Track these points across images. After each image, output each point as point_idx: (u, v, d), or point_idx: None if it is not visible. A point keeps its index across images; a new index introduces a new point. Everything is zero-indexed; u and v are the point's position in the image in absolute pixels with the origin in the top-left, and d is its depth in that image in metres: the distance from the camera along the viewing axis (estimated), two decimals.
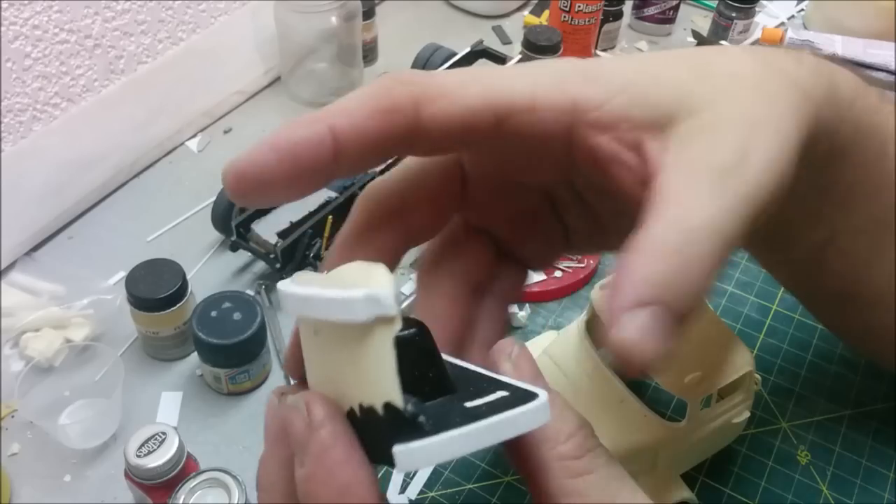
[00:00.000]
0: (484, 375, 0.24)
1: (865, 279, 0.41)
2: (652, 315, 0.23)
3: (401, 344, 0.20)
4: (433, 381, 0.22)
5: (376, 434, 0.20)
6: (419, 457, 0.19)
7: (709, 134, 0.26)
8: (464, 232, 0.32)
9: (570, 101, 0.27)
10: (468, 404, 0.21)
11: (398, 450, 0.19)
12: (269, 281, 0.64)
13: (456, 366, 0.24)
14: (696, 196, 0.24)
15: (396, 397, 0.20)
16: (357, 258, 0.25)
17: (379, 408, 0.20)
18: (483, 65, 0.81)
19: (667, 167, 0.25)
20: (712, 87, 0.27)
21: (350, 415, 0.21)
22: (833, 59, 0.35)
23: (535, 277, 0.63)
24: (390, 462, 0.19)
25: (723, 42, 0.94)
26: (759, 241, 0.42)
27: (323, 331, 0.22)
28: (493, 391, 0.22)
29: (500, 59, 0.79)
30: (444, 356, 0.23)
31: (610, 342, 0.23)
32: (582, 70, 0.27)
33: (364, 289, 0.20)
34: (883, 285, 0.40)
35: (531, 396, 0.22)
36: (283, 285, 0.24)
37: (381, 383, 0.20)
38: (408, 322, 0.21)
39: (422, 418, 0.20)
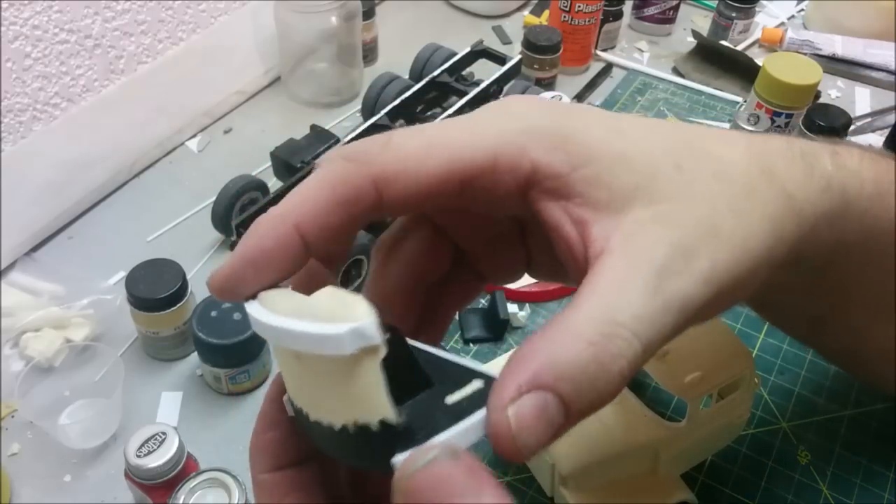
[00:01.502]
0: (452, 362, 0.25)
1: (868, 341, 0.40)
2: (542, 402, 0.21)
3: (388, 367, 0.21)
4: (413, 382, 0.23)
5: (373, 447, 0.21)
6: None
7: (659, 228, 0.24)
8: (425, 227, 0.31)
9: (531, 168, 0.26)
10: (449, 400, 0.22)
11: (397, 460, 0.21)
12: None
13: (423, 351, 0.25)
14: (626, 292, 0.23)
15: (389, 414, 0.21)
16: None
17: (374, 425, 0.21)
18: (483, 65, 0.81)
19: (607, 254, 0.24)
20: (685, 181, 0.26)
21: (342, 431, 0.22)
22: (857, 147, 0.32)
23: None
24: (390, 471, 0.21)
25: (723, 42, 0.94)
26: (752, 305, 0.41)
27: (305, 358, 0.22)
28: (468, 380, 0.23)
29: (500, 59, 0.79)
30: (410, 342, 0.25)
31: (490, 416, 0.21)
32: (550, 134, 0.26)
33: (348, 324, 0.20)
34: (885, 343, 0.39)
35: None
36: (255, 311, 0.24)
37: (373, 403, 0.21)
38: (385, 330, 0.21)
39: (415, 428, 0.21)
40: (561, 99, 0.75)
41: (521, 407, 0.21)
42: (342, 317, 0.21)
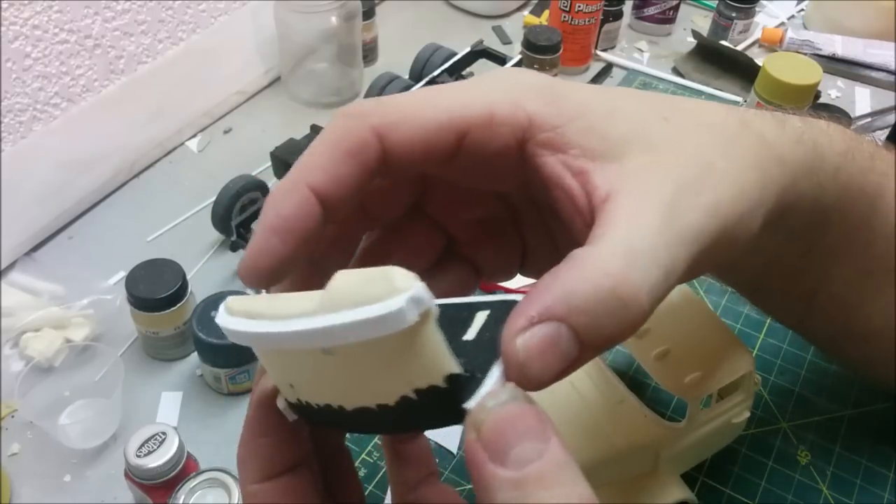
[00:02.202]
0: (448, 303, 0.25)
1: (857, 319, 0.40)
2: (554, 333, 0.21)
3: (441, 322, 0.21)
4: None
5: (442, 404, 0.21)
6: None
7: (662, 169, 0.25)
8: (417, 219, 0.31)
9: (526, 119, 0.26)
10: (468, 337, 0.23)
11: (469, 405, 0.21)
12: None
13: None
14: (641, 225, 0.23)
15: (454, 367, 0.21)
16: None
17: (441, 382, 0.21)
18: (483, 65, 0.81)
19: (614, 196, 0.24)
20: (674, 129, 0.27)
21: (401, 404, 0.22)
22: (823, 116, 0.34)
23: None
24: (461, 418, 0.21)
25: (723, 42, 0.94)
26: (745, 290, 0.41)
27: (341, 351, 0.21)
28: (473, 314, 0.23)
29: (500, 59, 0.79)
30: None
31: (501, 346, 0.21)
32: (541, 89, 0.27)
33: (402, 294, 0.19)
34: (876, 323, 0.40)
35: (512, 303, 0.23)
36: (238, 324, 0.22)
37: (435, 363, 0.21)
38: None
39: (476, 373, 0.21)
40: None
41: (531, 337, 0.21)
42: (378, 292, 0.19)
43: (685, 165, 0.25)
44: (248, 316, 0.22)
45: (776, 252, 0.35)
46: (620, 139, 0.26)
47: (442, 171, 0.28)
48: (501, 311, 0.23)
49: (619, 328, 0.22)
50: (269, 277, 0.25)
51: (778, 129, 0.30)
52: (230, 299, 0.23)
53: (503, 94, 0.26)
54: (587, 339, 0.21)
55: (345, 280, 0.21)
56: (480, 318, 0.23)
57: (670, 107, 0.28)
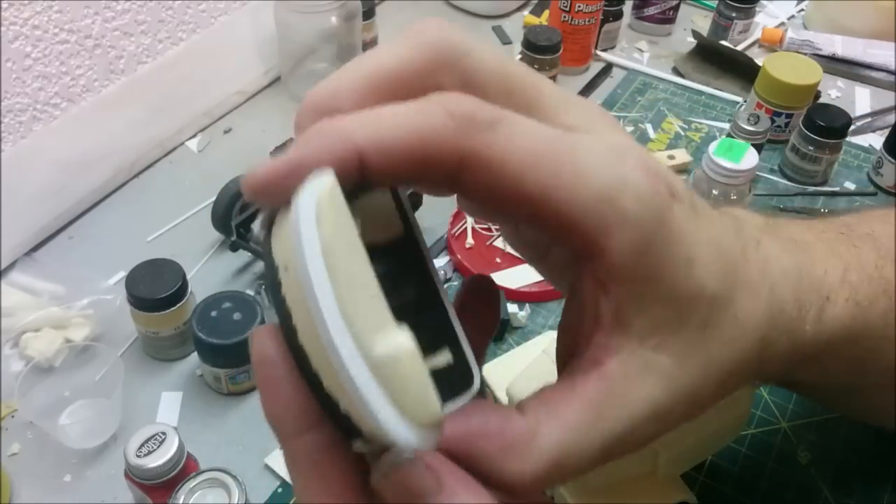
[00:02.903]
0: (438, 304, 0.26)
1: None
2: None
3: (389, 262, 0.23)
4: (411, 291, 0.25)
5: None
6: None
7: (652, 381, 0.25)
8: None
9: (599, 248, 0.23)
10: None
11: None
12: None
13: (421, 264, 0.26)
14: (585, 443, 0.24)
15: None
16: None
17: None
18: None
19: (595, 378, 0.24)
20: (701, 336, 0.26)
21: None
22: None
23: (536, 277, 0.63)
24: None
25: (723, 42, 0.94)
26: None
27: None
28: (442, 343, 0.24)
29: None
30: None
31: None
32: (644, 215, 0.23)
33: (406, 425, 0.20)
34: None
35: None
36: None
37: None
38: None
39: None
40: None
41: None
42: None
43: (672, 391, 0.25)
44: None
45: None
46: (653, 320, 0.24)
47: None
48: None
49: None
50: (272, 199, 0.22)
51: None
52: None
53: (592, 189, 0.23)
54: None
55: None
56: (443, 359, 0.22)
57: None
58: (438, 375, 0.21)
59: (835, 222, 0.35)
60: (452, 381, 0.24)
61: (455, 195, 0.25)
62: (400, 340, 0.20)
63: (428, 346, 0.21)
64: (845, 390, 0.36)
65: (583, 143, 0.23)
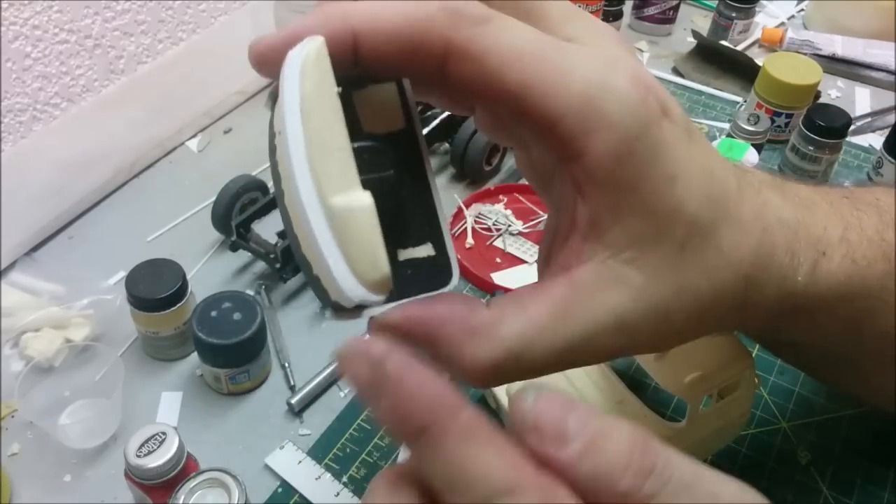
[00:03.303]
0: (426, 202, 0.26)
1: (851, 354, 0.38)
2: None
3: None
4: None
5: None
6: None
7: (622, 290, 0.25)
8: None
9: (587, 147, 0.24)
10: (401, 255, 0.24)
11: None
12: (268, 281, 0.64)
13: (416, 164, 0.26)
14: (547, 342, 0.25)
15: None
16: None
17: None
18: None
19: (565, 285, 0.25)
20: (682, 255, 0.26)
21: None
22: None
23: (536, 277, 0.63)
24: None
25: (723, 42, 0.94)
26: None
27: None
28: (424, 239, 0.25)
29: None
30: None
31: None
32: (636, 111, 0.24)
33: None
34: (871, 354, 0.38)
35: None
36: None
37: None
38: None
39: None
40: None
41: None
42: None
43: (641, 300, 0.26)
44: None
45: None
46: (636, 230, 0.25)
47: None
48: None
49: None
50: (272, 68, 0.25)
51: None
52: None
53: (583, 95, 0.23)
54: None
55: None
56: (424, 251, 0.24)
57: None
58: (417, 266, 0.22)
59: (841, 189, 0.35)
60: (430, 276, 0.24)
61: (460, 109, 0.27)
62: (359, 196, 0.21)
63: (412, 237, 0.22)
64: (842, 360, 0.36)
65: (573, 48, 0.24)
